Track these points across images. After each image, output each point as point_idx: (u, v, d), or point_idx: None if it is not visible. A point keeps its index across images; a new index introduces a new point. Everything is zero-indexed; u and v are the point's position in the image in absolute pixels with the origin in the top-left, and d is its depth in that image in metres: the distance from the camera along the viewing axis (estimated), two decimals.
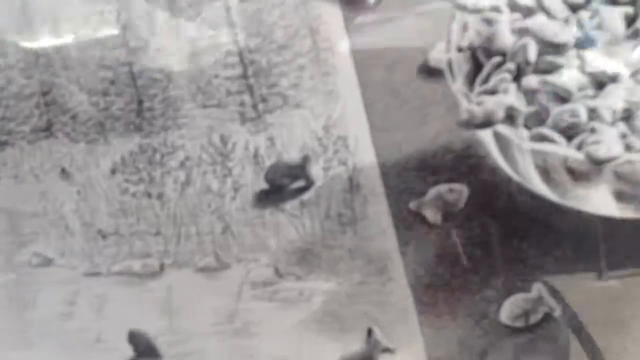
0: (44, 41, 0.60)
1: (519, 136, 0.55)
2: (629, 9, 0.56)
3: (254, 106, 0.61)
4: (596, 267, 0.56)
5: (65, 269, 0.59)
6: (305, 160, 0.61)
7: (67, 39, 0.61)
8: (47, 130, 0.61)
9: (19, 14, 0.60)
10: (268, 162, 0.61)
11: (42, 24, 0.61)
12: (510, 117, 0.56)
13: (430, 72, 0.61)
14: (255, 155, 0.61)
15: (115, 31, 0.61)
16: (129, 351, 0.56)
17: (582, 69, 0.55)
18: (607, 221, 0.55)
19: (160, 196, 0.60)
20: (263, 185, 0.61)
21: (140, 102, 0.61)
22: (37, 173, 0.60)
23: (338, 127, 0.61)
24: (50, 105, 0.61)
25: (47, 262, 0.59)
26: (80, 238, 0.59)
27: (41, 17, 0.61)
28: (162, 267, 0.59)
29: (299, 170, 0.61)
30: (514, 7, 0.59)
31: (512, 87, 0.56)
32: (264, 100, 0.61)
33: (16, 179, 0.60)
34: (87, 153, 0.61)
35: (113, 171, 0.60)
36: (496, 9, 0.59)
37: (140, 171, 0.60)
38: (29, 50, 0.61)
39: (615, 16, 0.56)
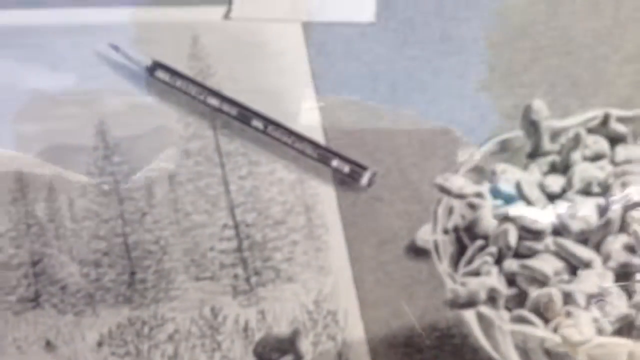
0: (38, 210, 0.61)
1: (500, 317, 0.58)
2: (601, 200, 0.60)
3: (247, 279, 0.62)
4: None
5: None
6: (295, 334, 0.61)
7: (62, 209, 0.61)
8: (34, 300, 0.60)
9: (13, 181, 0.61)
10: (258, 336, 0.61)
11: (37, 193, 0.61)
12: (492, 298, 0.59)
13: (417, 252, 0.63)
14: (245, 328, 0.61)
15: (112, 202, 0.62)
16: None
17: (558, 254, 0.59)
18: None
19: None
20: (252, 359, 0.60)
21: (132, 274, 0.61)
22: (21, 345, 0.59)
23: (329, 302, 0.62)
24: (39, 276, 0.60)
25: None
26: None
27: (36, 187, 0.61)
28: None
29: (288, 344, 0.61)
30: (496, 195, 0.62)
31: (494, 269, 0.59)
32: (257, 273, 0.62)
33: None
34: (74, 325, 0.60)
35: (99, 344, 0.59)
36: (479, 195, 0.62)
37: (127, 344, 0.60)
38: (21, 219, 0.61)
39: (589, 206, 0.60)
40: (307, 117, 0.64)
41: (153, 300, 0.61)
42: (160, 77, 0.63)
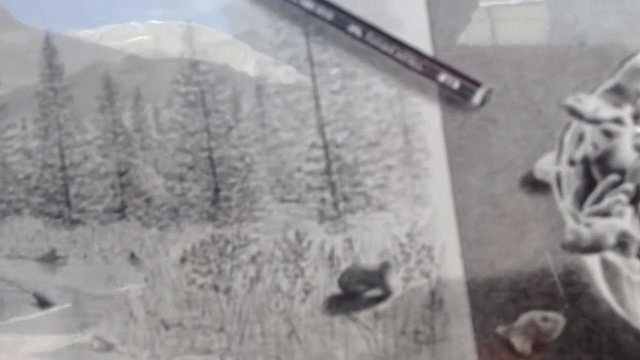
0: (124, 119, 0.59)
1: (630, 267, 0.52)
2: None
3: (335, 205, 0.57)
4: None
5: (125, 356, 0.58)
6: (384, 267, 0.56)
7: (148, 119, 0.58)
8: (120, 211, 0.59)
9: (101, 88, 0.59)
10: (344, 266, 0.57)
11: (124, 102, 0.59)
12: (623, 244, 0.52)
13: (535, 185, 0.55)
14: (331, 256, 0.57)
15: (197, 114, 0.58)
16: None
17: None
18: None
19: (227, 290, 0.58)
20: (336, 290, 0.57)
21: (217, 191, 0.58)
22: (107, 255, 0.59)
23: (424, 236, 0.56)
24: (125, 187, 0.59)
25: (108, 347, 0.58)
26: (143, 326, 0.58)
27: (123, 94, 0.59)
28: None
29: (377, 277, 0.56)
30: (639, 120, 0.52)
31: (629, 210, 0.52)
32: (345, 199, 0.57)
33: (85, 259, 0.59)
34: (158, 239, 0.59)
35: (183, 260, 0.58)
36: (619, 121, 0.53)
37: (210, 262, 0.58)
38: (108, 127, 0.59)
39: None
40: (412, 24, 0.56)
41: (237, 219, 0.58)
42: None
